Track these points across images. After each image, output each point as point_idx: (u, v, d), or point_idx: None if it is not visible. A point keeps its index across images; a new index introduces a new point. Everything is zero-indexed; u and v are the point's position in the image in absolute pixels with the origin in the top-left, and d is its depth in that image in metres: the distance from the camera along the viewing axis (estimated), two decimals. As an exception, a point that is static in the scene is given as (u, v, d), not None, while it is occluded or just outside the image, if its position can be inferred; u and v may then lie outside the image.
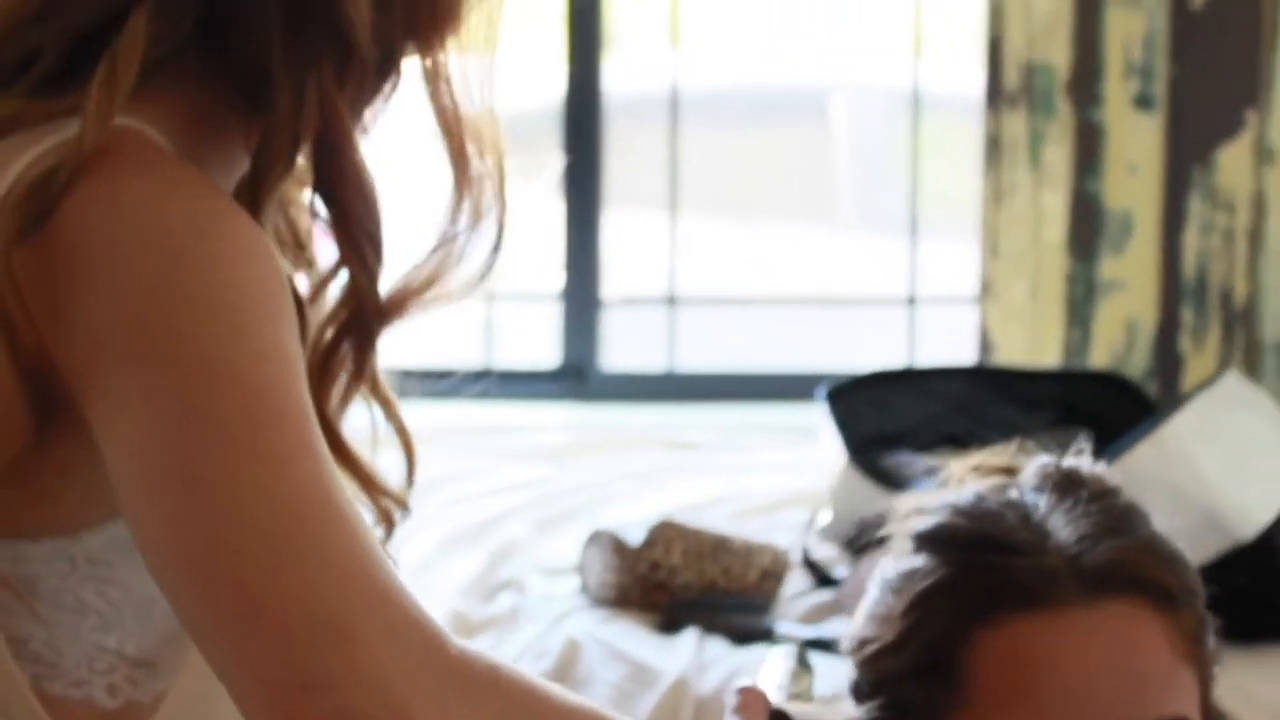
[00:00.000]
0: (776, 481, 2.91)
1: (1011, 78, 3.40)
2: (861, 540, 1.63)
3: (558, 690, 1.13)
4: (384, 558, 1.08)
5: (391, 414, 1.27)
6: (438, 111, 1.21)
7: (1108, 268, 3.43)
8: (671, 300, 3.70)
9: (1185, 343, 3.44)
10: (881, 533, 1.66)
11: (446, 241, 1.25)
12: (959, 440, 2.56)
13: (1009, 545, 1.36)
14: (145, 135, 1.15)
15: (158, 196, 1.12)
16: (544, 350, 3.63)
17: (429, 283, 1.25)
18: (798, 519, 2.59)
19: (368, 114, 1.22)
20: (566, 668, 2.31)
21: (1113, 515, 1.39)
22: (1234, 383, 2.64)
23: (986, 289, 3.41)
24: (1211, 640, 1.39)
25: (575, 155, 3.47)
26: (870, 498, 2.36)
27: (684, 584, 2.39)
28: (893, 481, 2.38)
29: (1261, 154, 3.42)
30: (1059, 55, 3.40)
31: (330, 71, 1.16)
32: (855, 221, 4.16)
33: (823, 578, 2.50)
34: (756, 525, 2.59)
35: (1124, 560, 1.36)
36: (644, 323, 3.75)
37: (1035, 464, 1.44)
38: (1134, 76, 3.40)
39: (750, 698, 1.38)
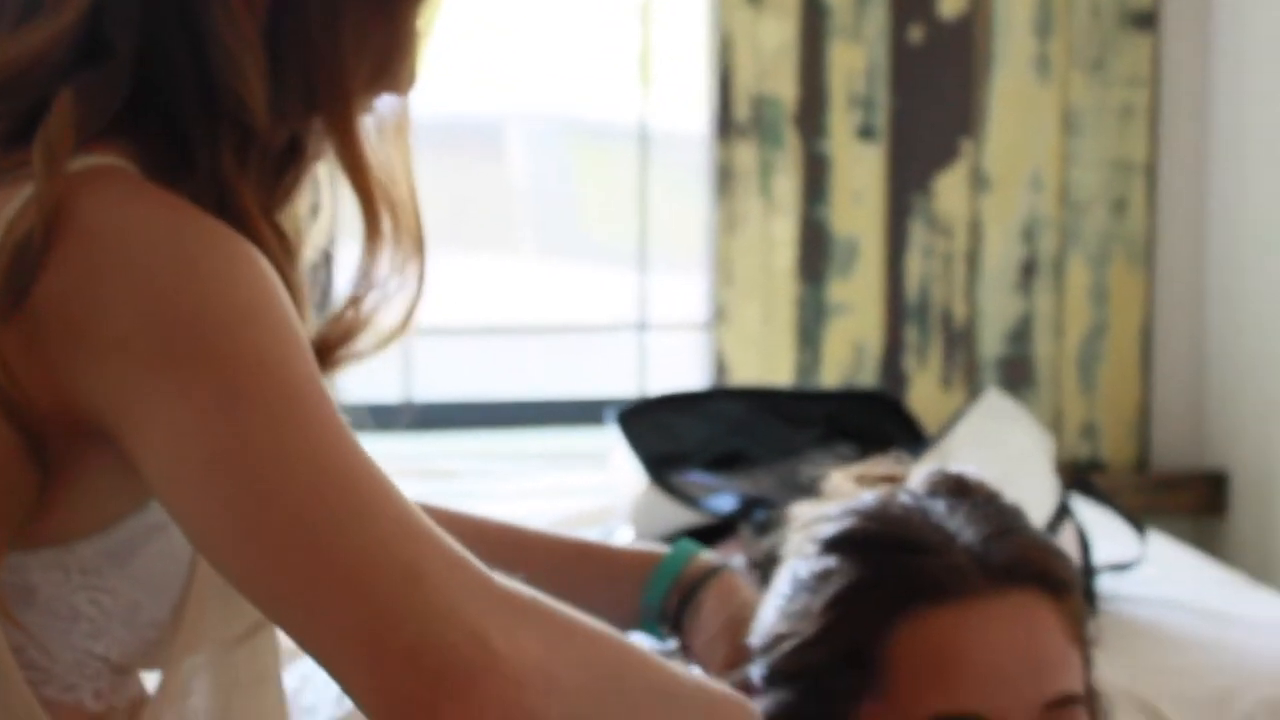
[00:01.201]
0: (557, 505, 2.92)
1: (741, 110, 3.46)
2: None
3: (581, 615, 1.20)
4: (419, 508, 1.15)
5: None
6: (350, 173, 1.27)
7: (835, 291, 3.50)
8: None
9: (910, 362, 3.52)
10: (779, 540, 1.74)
11: (358, 298, 1.30)
12: (738, 458, 2.64)
13: (919, 545, 1.46)
14: (126, 169, 1.18)
15: (160, 216, 1.17)
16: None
17: (345, 337, 1.30)
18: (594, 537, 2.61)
19: (282, 188, 1.27)
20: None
21: (1005, 515, 1.51)
22: (996, 398, 2.76)
23: (720, 315, 3.46)
24: (1088, 624, 1.52)
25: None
26: (671, 515, 2.41)
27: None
28: (688, 499, 2.43)
29: (977, 181, 3.53)
30: (786, 88, 3.47)
31: (230, 151, 1.21)
32: (532, 250, 4.11)
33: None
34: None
35: (1023, 555, 1.47)
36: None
37: (923, 472, 1.54)
38: (857, 108, 3.48)
39: None
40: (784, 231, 3.49)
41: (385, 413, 3.53)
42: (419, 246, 1.30)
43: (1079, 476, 2.93)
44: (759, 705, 1.45)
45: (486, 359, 4.02)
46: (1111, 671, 2.17)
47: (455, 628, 1.09)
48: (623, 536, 2.51)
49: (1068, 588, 1.48)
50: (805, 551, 1.50)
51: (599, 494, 2.91)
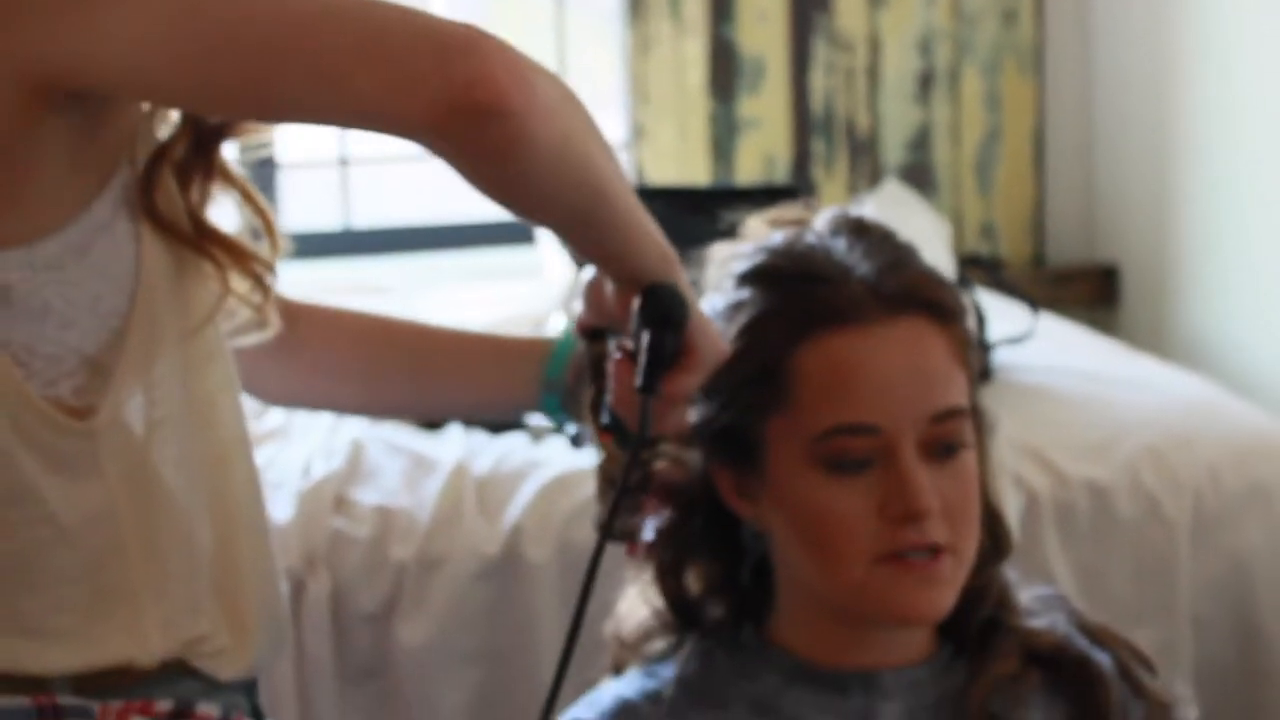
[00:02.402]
0: (490, 311, 3.02)
1: None
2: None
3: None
4: None
5: (246, 195, 1.48)
6: None
7: (745, 107, 3.60)
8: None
9: (818, 171, 3.62)
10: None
11: None
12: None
13: (821, 276, 1.52)
14: None
15: None
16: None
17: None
18: (526, 333, 2.73)
19: None
20: (356, 463, 2.46)
21: (899, 250, 1.56)
22: (895, 187, 2.90)
23: (638, 133, 3.55)
24: (974, 349, 1.58)
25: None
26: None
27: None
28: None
29: None
30: None
31: None
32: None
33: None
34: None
35: (913, 285, 1.52)
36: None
37: (826, 214, 1.59)
38: (759, -67, 3.56)
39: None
40: (694, 51, 3.58)
41: (326, 239, 3.70)
42: None
43: (974, 256, 3.06)
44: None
45: (421, 186, 4.09)
46: (1006, 427, 2.34)
47: (498, 63, 1.24)
48: (555, 324, 2.64)
49: (954, 314, 1.53)
50: (723, 286, 1.56)
51: (531, 300, 3.03)
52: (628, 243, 1.47)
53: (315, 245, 3.61)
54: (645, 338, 1.49)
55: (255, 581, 1.46)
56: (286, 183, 3.65)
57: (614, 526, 1.55)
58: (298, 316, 1.64)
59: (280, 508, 2.36)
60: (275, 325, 1.53)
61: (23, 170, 1.31)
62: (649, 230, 1.49)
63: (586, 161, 1.38)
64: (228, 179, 1.48)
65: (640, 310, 1.50)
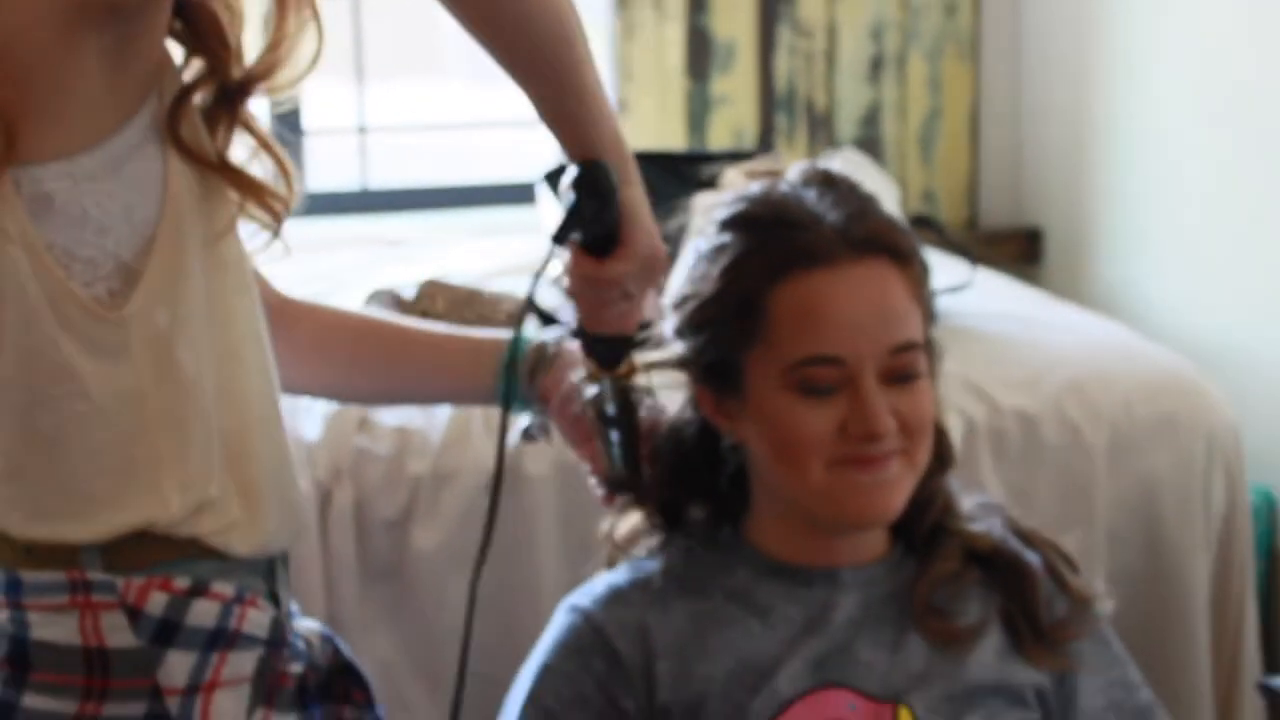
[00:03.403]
0: (494, 261, 3.03)
1: None
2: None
3: None
4: None
5: (264, 144, 1.49)
6: None
7: (718, 86, 3.58)
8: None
9: (781, 143, 3.59)
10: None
11: (276, 44, 1.46)
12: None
13: (795, 222, 1.52)
14: None
15: None
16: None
17: (268, 73, 1.46)
18: (525, 281, 2.71)
19: None
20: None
21: (863, 200, 1.56)
22: (850, 152, 2.89)
23: (622, 106, 3.54)
24: (928, 288, 1.59)
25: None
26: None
27: (448, 327, 2.53)
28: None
29: None
30: None
31: None
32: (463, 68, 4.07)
33: (547, 318, 2.66)
34: (493, 287, 2.69)
35: (876, 231, 1.53)
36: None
37: (797, 167, 1.59)
38: (730, -69, 3.54)
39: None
40: (673, 36, 3.56)
41: (347, 197, 3.69)
42: (315, 11, 1.45)
43: (919, 216, 3.06)
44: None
45: (433, 152, 4.08)
46: (947, 364, 2.34)
47: None
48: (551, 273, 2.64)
49: (912, 257, 1.54)
50: (705, 231, 1.57)
51: (529, 254, 3.01)
52: (585, 108, 1.47)
53: (337, 203, 3.62)
54: (570, 199, 1.48)
55: (267, 465, 1.46)
56: (310, 148, 3.62)
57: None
58: (291, 310, 1.66)
59: (310, 427, 2.36)
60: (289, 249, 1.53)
61: (64, 85, 1.31)
62: (607, 112, 1.49)
63: (560, 12, 1.41)
64: (249, 128, 1.48)
65: (574, 178, 1.48)
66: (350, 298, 2.61)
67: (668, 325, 1.58)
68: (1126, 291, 3.36)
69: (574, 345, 1.61)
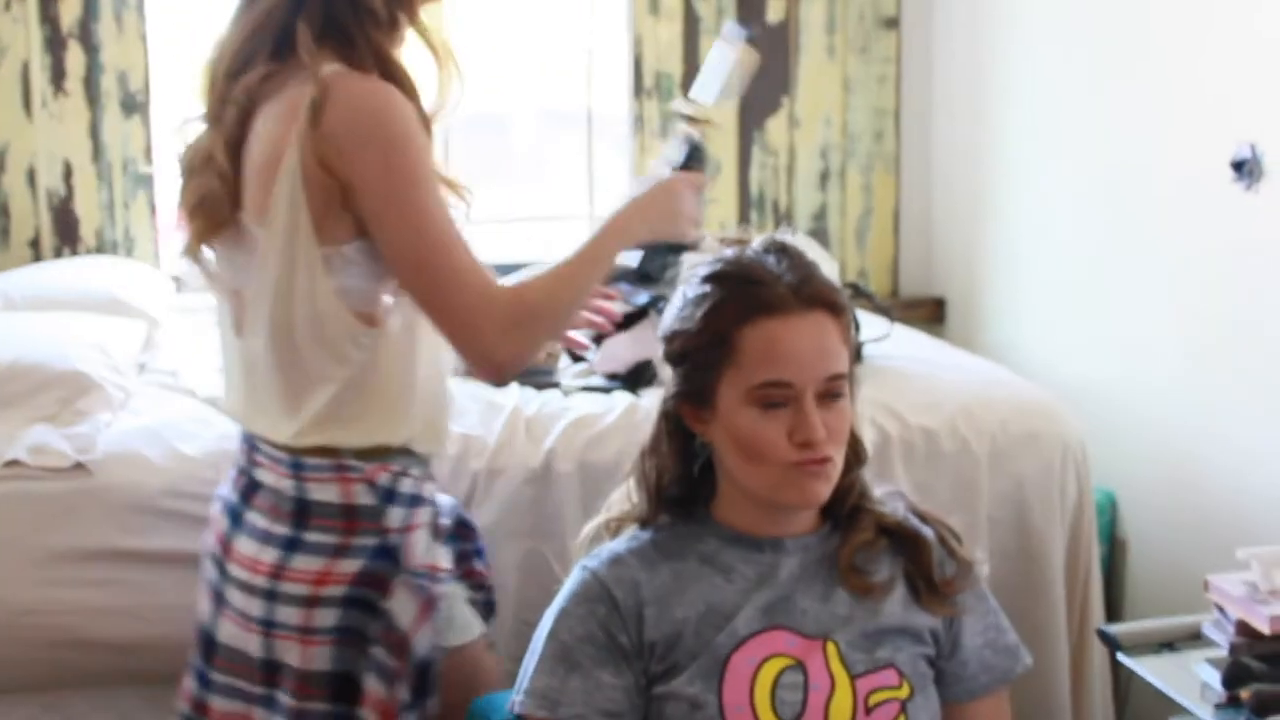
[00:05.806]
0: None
1: (648, 80, 3.50)
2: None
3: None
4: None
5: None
6: (420, 34, 1.66)
7: (708, 191, 3.48)
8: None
9: (754, 235, 3.54)
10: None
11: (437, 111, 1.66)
12: (647, 277, 2.71)
13: (759, 280, 1.51)
14: (342, 69, 1.57)
15: (371, 88, 1.57)
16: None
17: (434, 116, 1.66)
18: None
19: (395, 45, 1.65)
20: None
21: (809, 266, 1.55)
22: (802, 237, 2.85)
23: None
24: (853, 335, 1.57)
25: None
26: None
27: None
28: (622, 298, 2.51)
29: (792, 122, 3.58)
30: (674, 66, 3.50)
31: (374, 31, 1.63)
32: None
33: (575, 356, 2.64)
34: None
35: (819, 290, 1.52)
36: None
37: (762, 238, 1.59)
38: (719, 78, 3.53)
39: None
40: (676, 155, 3.52)
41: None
42: (459, 70, 1.65)
43: (853, 285, 3.03)
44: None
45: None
46: (870, 390, 2.31)
47: (483, 295, 1.57)
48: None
49: (844, 311, 1.53)
50: (691, 281, 1.57)
51: None
52: (602, 264, 1.75)
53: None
54: (683, 145, 2.02)
55: (438, 407, 1.76)
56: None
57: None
58: None
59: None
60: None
61: (339, 215, 1.60)
62: (607, 249, 1.77)
63: (583, 264, 1.72)
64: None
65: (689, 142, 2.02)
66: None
67: (657, 355, 1.57)
68: (1006, 342, 3.33)
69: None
